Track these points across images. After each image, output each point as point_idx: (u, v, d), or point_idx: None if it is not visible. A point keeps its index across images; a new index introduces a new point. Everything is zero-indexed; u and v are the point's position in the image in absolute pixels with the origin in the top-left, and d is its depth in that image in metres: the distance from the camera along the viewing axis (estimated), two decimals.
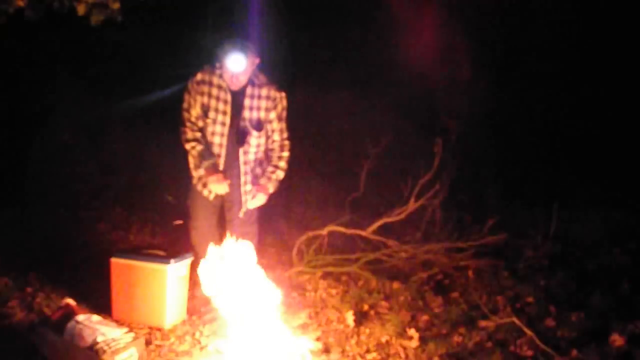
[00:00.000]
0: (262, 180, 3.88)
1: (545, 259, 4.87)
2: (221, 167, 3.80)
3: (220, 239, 3.62)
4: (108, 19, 4.03)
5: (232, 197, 3.91)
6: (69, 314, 3.35)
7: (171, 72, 6.15)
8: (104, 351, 3.09)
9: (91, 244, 4.95)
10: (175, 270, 3.74)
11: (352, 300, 4.20)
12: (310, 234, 4.79)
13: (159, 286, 3.70)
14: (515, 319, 3.68)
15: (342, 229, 4.83)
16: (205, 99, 3.72)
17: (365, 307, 4.12)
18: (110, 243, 4.96)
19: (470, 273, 4.65)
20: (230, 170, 3.83)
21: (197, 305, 4.00)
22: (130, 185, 6.18)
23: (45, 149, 6.45)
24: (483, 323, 3.81)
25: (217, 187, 3.79)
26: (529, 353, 3.51)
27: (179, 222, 4.01)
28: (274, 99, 3.76)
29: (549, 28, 7.22)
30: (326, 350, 3.52)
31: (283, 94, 3.80)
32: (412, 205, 4.90)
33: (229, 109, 3.72)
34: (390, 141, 5.47)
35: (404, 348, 3.56)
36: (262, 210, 4.07)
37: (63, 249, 4.84)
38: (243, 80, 3.67)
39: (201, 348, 3.53)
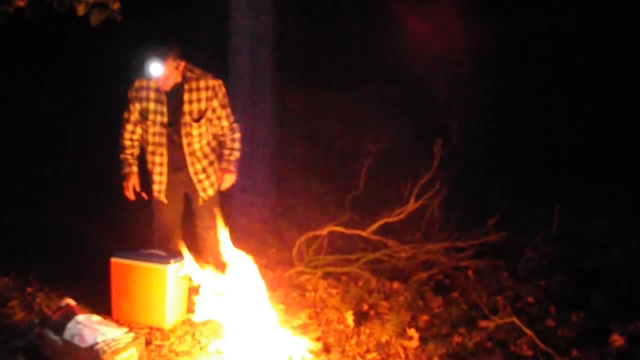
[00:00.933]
0: (223, 164, 4.06)
1: (545, 259, 4.87)
2: (165, 168, 3.94)
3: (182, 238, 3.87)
4: (108, 19, 4.04)
5: (190, 192, 4.05)
6: (69, 314, 3.36)
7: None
8: (104, 351, 3.09)
9: (91, 244, 4.95)
10: (175, 271, 3.75)
11: (352, 300, 4.20)
12: (310, 234, 4.79)
13: (159, 286, 3.70)
14: (515, 319, 3.68)
15: (342, 229, 4.83)
16: (144, 104, 3.88)
17: (365, 307, 4.12)
18: (110, 243, 4.95)
19: (470, 273, 4.64)
20: (178, 165, 3.95)
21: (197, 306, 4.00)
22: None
23: (45, 149, 6.46)
24: (483, 323, 3.81)
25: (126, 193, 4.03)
26: (529, 353, 3.51)
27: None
28: (213, 88, 3.89)
29: (551, 27, 7.22)
30: (326, 350, 3.52)
31: (220, 82, 3.94)
32: (412, 205, 4.90)
33: (165, 109, 3.85)
34: (390, 141, 5.46)
35: (404, 348, 3.56)
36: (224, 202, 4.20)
37: (63, 249, 4.84)
38: (171, 82, 3.79)
39: (201, 348, 3.53)
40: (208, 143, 3.99)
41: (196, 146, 3.92)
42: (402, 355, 3.50)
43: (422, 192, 4.94)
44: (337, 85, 7.20)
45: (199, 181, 3.99)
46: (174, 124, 3.87)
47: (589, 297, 4.18)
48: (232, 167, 4.06)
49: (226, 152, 4.05)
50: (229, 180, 4.08)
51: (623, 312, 3.89)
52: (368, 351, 3.54)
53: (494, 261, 4.77)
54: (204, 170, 3.99)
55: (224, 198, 4.21)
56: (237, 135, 4.07)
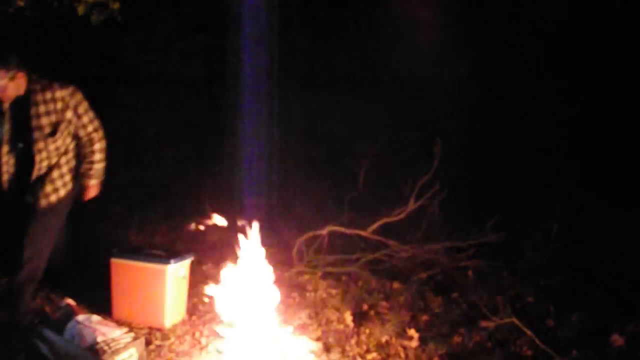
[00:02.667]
0: (84, 181, 3.81)
1: (545, 259, 4.87)
2: (10, 184, 3.70)
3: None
4: (108, 19, 4.04)
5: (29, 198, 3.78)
6: (69, 314, 3.36)
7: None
8: (104, 351, 3.09)
9: (91, 244, 4.95)
10: (175, 270, 3.75)
11: (352, 300, 4.20)
12: (310, 234, 4.79)
13: (159, 286, 3.70)
14: (515, 319, 3.68)
15: (342, 229, 4.83)
16: None
17: (365, 307, 4.12)
18: (110, 243, 4.95)
19: (470, 273, 4.65)
20: (19, 175, 3.69)
21: (197, 305, 4.00)
22: (130, 184, 6.18)
23: None
24: (483, 323, 3.81)
25: None
26: (529, 353, 3.51)
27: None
28: (62, 99, 3.59)
29: (550, 27, 7.22)
30: (326, 350, 3.52)
31: (69, 90, 3.62)
32: (412, 205, 4.90)
33: (7, 124, 3.58)
34: (390, 141, 5.47)
35: (404, 348, 3.57)
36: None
37: (63, 249, 4.83)
38: (12, 94, 3.51)
39: (201, 348, 3.53)
40: (63, 155, 3.72)
41: (53, 161, 3.67)
42: (402, 355, 3.50)
43: (422, 192, 4.94)
44: (337, 85, 7.20)
45: (41, 188, 3.69)
46: (22, 141, 3.59)
47: (589, 297, 4.18)
48: (92, 181, 3.81)
49: (86, 166, 3.77)
50: (93, 192, 3.87)
51: (623, 312, 3.89)
52: (368, 351, 3.54)
53: (494, 261, 4.77)
54: (52, 181, 3.71)
55: (225, 198, 4.20)
56: (98, 145, 3.74)
